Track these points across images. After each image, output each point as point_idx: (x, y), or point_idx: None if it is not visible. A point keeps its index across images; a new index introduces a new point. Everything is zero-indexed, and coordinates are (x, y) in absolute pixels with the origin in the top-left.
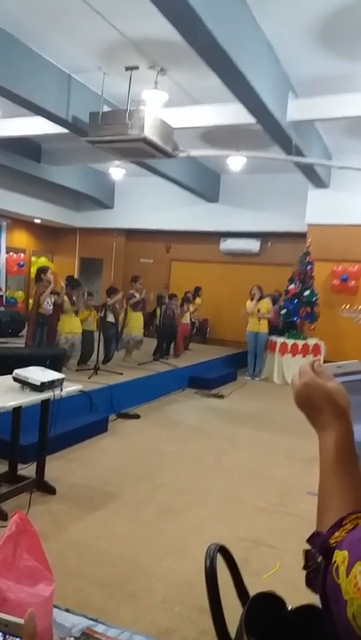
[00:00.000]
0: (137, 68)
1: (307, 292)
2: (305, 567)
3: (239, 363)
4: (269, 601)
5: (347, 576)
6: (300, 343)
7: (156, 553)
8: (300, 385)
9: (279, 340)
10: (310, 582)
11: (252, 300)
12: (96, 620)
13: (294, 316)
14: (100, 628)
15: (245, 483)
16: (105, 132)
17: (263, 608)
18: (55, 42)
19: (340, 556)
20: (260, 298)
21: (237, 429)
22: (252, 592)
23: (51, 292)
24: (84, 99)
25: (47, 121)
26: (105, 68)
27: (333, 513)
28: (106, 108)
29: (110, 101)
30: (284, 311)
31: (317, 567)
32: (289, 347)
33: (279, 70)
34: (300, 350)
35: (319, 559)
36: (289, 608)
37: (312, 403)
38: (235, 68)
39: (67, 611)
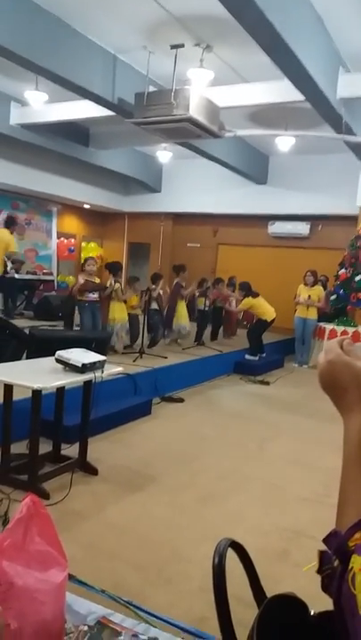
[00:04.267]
0: (182, 45)
1: (358, 278)
2: (319, 571)
3: (287, 349)
4: (289, 604)
5: None
6: (351, 330)
7: (195, 538)
8: (325, 363)
9: (328, 326)
10: (326, 588)
11: (305, 285)
12: (130, 603)
13: (345, 302)
14: (116, 618)
15: (289, 471)
16: (150, 112)
17: (281, 612)
18: (99, 21)
19: (359, 562)
20: (314, 283)
21: (282, 417)
22: (290, 585)
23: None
24: (130, 79)
25: (93, 104)
26: (150, 46)
27: (355, 509)
28: (151, 89)
29: (156, 81)
30: (334, 297)
31: (333, 572)
32: (338, 334)
33: (329, 45)
34: (350, 338)
35: (335, 563)
36: (311, 612)
37: (337, 382)
38: (284, 45)
39: (102, 592)
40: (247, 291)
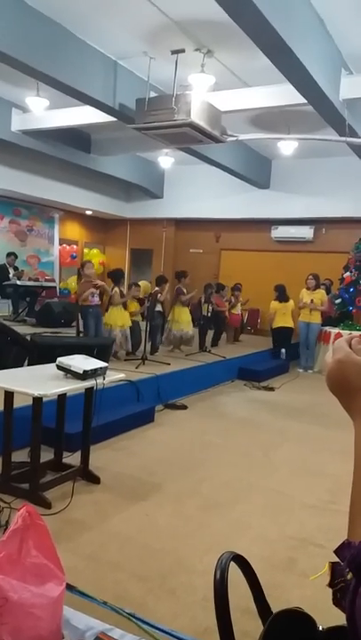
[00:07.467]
0: (183, 51)
1: None
2: (330, 584)
3: (291, 355)
4: (295, 619)
5: None
6: (357, 334)
7: (199, 548)
8: (334, 362)
9: (334, 330)
10: (338, 602)
11: (308, 289)
12: (133, 615)
13: (350, 306)
14: (115, 634)
15: (295, 478)
16: (151, 118)
17: (287, 628)
18: (100, 28)
19: None
20: (316, 287)
21: (288, 423)
22: (297, 594)
23: (96, 288)
24: (131, 85)
25: (95, 110)
26: (151, 52)
27: None
28: (152, 94)
29: (157, 87)
30: (339, 300)
31: (346, 586)
32: None
33: (331, 46)
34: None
35: (348, 576)
36: (320, 628)
37: (346, 383)
38: (285, 47)
39: (104, 603)
40: (279, 294)
